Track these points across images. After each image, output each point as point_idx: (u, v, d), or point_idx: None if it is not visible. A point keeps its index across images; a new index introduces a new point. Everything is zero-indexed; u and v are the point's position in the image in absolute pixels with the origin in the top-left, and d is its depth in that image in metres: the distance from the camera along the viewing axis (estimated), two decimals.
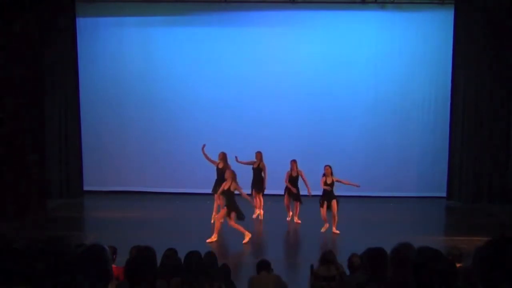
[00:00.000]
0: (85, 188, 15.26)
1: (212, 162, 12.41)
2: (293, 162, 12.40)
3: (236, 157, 12.63)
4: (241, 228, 10.73)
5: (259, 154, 12.75)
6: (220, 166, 12.18)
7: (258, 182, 12.69)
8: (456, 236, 11.33)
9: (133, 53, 15.45)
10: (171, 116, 15.51)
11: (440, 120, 15.20)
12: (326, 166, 11.72)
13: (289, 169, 12.40)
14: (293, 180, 12.37)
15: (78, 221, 13.38)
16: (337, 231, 11.47)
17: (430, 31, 15.15)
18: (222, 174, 11.66)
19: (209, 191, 12.64)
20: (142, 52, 15.46)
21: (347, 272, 6.44)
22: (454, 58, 14.65)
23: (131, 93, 15.49)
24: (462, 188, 14.71)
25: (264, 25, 15.30)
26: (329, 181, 11.54)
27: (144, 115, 15.52)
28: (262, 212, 12.76)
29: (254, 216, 12.59)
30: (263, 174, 12.67)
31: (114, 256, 6.38)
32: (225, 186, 10.81)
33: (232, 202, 10.66)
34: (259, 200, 12.73)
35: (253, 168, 12.75)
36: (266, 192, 12.84)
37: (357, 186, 11.87)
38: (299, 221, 12.37)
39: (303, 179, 12.33)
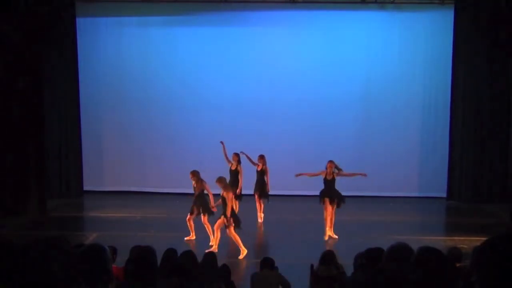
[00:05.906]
0: (85, 188, 15.26)
1: (228, 161, 12.43)
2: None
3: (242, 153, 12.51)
4: (239, 242, 10.00)
5: (261, 158, 12.58)
6: (233, 167, 12.34)
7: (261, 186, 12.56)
8: (456, 236, 11.35)
9: (133, 53, 15.44)
10: (171, 116, 15.50)
11: (440, 120, 15.19)
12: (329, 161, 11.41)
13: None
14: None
15: (78, 221, 13.38)
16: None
17: (430, 31, 15.13)
18: (235, 175, 12.09)
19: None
20: (142, 52, 15.44)
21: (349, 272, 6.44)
22: (454, 58, 14.65)
23: (131, 93, 15.48)
24: (462, 188, 14.71)
25: (264, 25, 15.29)
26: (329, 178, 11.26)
27: (144, 115, 15.51)
28: (262, 215, 12.71)
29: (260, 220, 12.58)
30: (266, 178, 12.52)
31: (114, 256, 6.37)
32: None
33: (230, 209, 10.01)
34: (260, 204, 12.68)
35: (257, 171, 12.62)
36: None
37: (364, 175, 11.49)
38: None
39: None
